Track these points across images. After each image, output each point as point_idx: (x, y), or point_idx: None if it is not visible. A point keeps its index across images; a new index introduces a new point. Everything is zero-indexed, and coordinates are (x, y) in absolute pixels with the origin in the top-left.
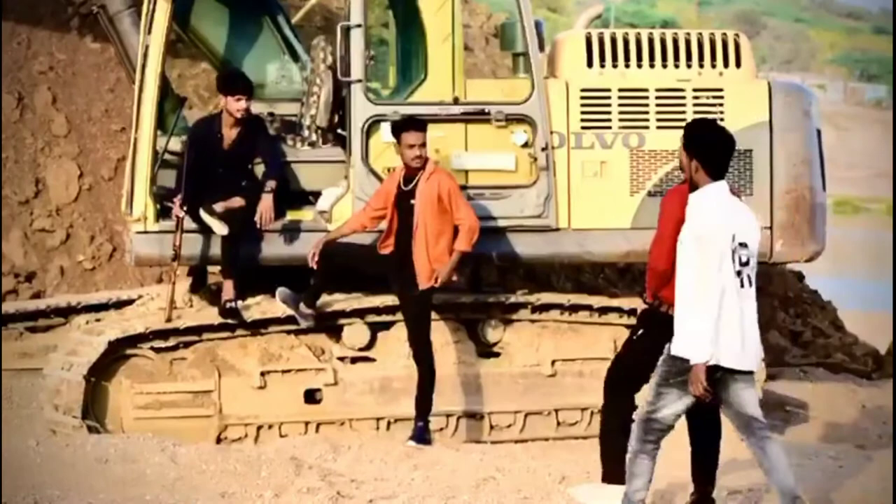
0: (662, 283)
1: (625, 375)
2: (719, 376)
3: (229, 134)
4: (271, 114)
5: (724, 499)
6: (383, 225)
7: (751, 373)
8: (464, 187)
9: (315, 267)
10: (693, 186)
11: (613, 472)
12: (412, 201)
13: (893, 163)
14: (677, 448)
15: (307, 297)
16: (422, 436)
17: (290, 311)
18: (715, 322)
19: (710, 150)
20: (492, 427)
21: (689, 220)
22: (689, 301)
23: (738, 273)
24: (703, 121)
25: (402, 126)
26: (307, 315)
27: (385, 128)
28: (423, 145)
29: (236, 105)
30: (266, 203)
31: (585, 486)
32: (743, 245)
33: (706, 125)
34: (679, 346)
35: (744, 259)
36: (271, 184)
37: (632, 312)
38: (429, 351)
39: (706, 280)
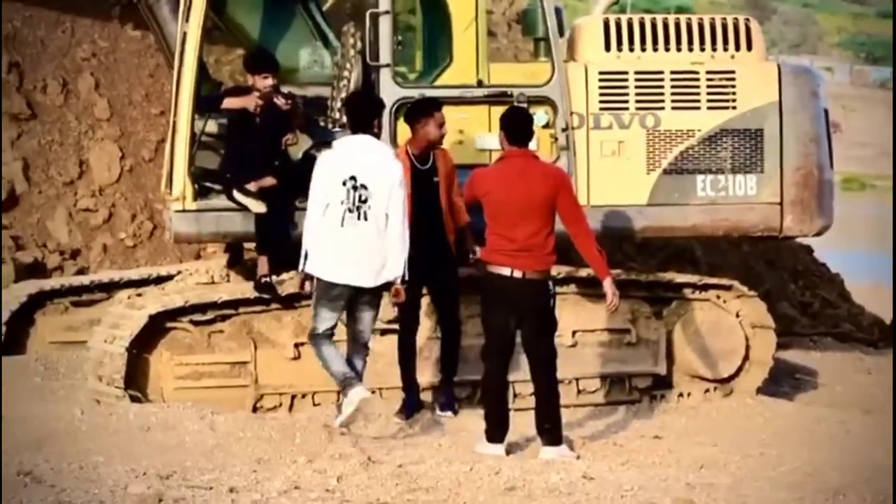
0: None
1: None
2: (342, 292)
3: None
4: (303, 97)
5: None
6: None
7: (374, 292)
8: (487, 167)
9: None
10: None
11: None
12: (435, 179)
13: (894, 144)
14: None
15: None
16: (450, 404)
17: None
18: (312, 239)
19: (351, 110)
20: (515, 395)
21: None
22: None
23: (358, 208)
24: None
25: (431, 106)
26: None
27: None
28: None
29: (263, 83)
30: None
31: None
32: (363, 186)
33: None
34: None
35: (363, 198)
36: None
37: (649, 286)
38: (458, 324)
39: (309, 205)
